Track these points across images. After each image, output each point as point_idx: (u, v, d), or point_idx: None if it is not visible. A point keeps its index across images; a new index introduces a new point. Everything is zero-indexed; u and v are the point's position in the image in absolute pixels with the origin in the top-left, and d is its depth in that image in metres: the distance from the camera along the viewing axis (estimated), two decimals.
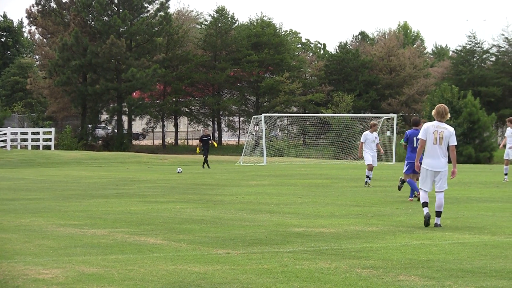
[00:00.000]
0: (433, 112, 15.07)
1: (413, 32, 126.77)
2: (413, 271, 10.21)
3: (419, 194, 17.71)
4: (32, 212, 18.54)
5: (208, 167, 45.12)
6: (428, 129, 14.97)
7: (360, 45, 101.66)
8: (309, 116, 72.09)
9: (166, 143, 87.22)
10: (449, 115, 15.01)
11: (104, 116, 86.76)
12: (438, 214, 15.04)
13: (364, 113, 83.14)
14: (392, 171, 38.49)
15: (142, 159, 57.02)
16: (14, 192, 25.93)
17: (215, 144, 45.86)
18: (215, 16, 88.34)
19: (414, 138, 20.92)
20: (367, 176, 27.63)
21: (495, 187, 26.82)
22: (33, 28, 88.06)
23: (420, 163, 15.35)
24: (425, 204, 15.06)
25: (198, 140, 48.13)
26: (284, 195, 23.74)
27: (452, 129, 14.95)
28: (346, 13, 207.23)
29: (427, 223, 15.02)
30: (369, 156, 27.52)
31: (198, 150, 46.21)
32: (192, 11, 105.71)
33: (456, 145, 15.11)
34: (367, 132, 27.85)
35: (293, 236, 13.76)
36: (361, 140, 27.83)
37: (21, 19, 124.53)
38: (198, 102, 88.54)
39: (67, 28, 79.23)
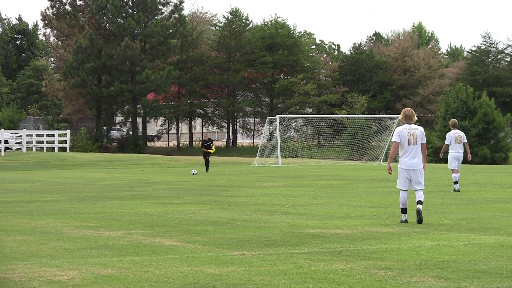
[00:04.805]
0: (401, 116, 15.91)
1: (428, 33, 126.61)
2: (429, 272, 10.18)
3: None
4: (47, 214, 18.60)
5: (207, 170, 42.16)
6: (402, 132, 15.65)
7: (375, 46, 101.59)
8: (323, 117, 71.93)
9: (180, 144, 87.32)
10: (416, 117, 15.81)
11: (118, 118, 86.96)
12: (420, 202, 15.64)
13: (378, 114, 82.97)
14: None
15: (157, 161, 57.10)
16: (29, 194, 26.01)
17: (212, 150, 43.15)
18: (229, 17, 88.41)
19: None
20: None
21: (511, 188, 26.70)
22: (48, 30, 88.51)
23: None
24: (404, 211, 15.82)
25: (201, 146, 44.89)
26: (299, 196, 23.71)
27: (422, 129, 15.83)
28: (360, 14, 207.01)
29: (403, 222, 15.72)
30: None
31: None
32: (206, 12, 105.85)
33: (426, 143, 16.04)
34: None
35: (308, 237, 13.75)
36: (446, 142, 25.54)
37: (36, 21, 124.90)
38: (213, 103, 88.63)
39: (81, 30, 79.49)
